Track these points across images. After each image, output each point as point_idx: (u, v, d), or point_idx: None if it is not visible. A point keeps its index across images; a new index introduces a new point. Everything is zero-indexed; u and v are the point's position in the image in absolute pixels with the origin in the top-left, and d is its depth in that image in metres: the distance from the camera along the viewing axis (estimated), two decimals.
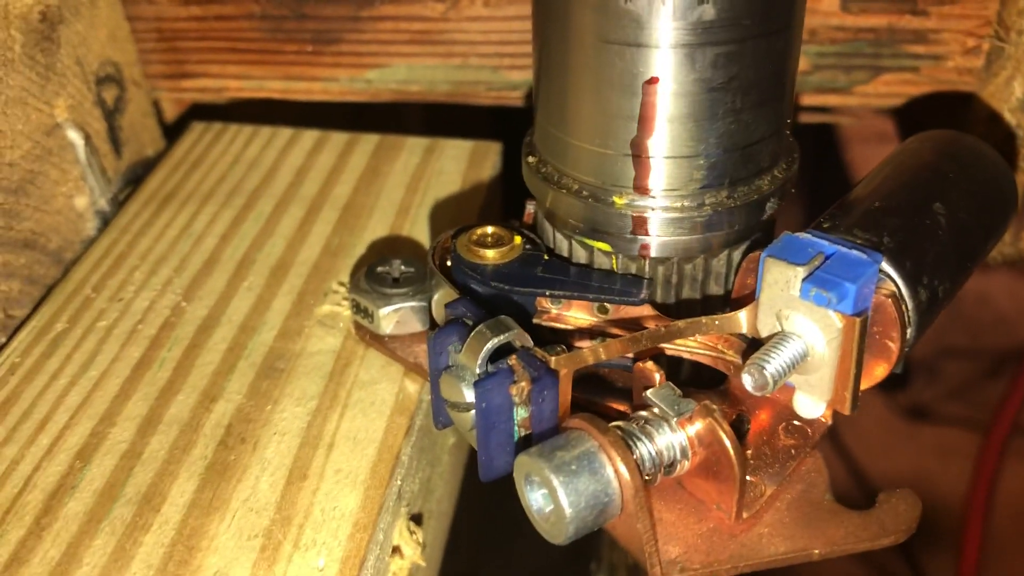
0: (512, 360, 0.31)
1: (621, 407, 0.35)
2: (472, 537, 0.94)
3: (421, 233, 0.45)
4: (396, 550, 0.35)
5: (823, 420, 0.34)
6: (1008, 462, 1.27)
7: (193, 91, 0.53)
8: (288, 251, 0.44)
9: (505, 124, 0.55)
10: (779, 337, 0.31)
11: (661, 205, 0.33)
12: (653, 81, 0.31)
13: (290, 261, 0.43)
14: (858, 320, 0.29)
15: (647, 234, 0.34)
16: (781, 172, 0.35)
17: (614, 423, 0.30)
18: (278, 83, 0.52)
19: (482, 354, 0.31)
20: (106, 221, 0.47)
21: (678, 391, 0.31)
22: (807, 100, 0.50)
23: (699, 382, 0.38)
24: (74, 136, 0.45)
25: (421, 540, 0.36)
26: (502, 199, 0.51)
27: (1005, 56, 0.46)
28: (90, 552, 0.31)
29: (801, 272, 0.30)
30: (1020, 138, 0.48)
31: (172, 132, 0.55)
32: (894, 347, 0.31)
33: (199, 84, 0.53)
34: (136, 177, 0.50)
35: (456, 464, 0.44)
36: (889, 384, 1.43)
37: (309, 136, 0.52)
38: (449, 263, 0.37)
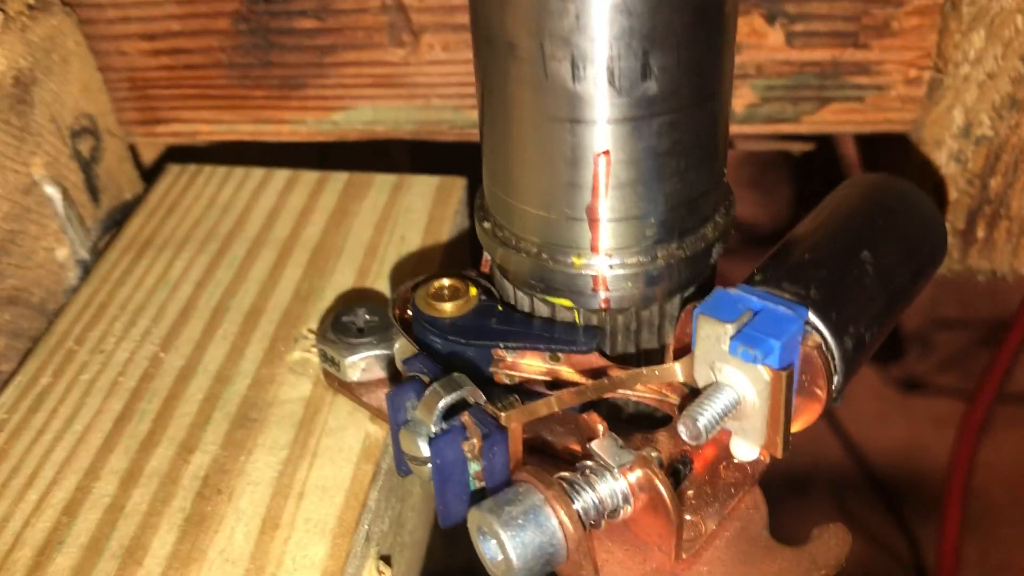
0: (464, 417, 0.33)
1: (577, 447, 0.38)
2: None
3: (390, 274, 0.47)
4: None
5: (762, 459, 0.36)
6: (990, 431, 1.29)
7: (167, 135, 0.55)
8: (260, 297, 0.46)
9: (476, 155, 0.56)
10: (712, 388, 0.33)
11: (618, 263, 0.35)
12: (603, 153, 0.33)
13: (262, 307, 0.45)
14: (784, 374, 0.31)
15: (607, 290, 0.36)
16: (722, 218, 0.37)
17: (559, 475, 0.33)
18: (248, 126, 0.54)
19: (436, 412, 0.33)
20: (87, 269, 0.49)
21: (620, 441, 0.33)
22: (759, 129, 0.52)
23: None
24: (51, 191, 0.47)
25: None
26: (471, 230, 0.53)
27: (945, 86, 0.48)
28: None
29: (730, 329, 0.32)
30: (962, 163, 0.50)
31: (152, 173, 0.56)
32: (822, 394, 0.33)
33: (172, 129, 0.54)
34: (115, 222, 0.52)
35: (428, 493, 0.47)
36: (883, 357, 1.43)
37: (280, 176, 0.54)
38: (408, 314, 0.39)
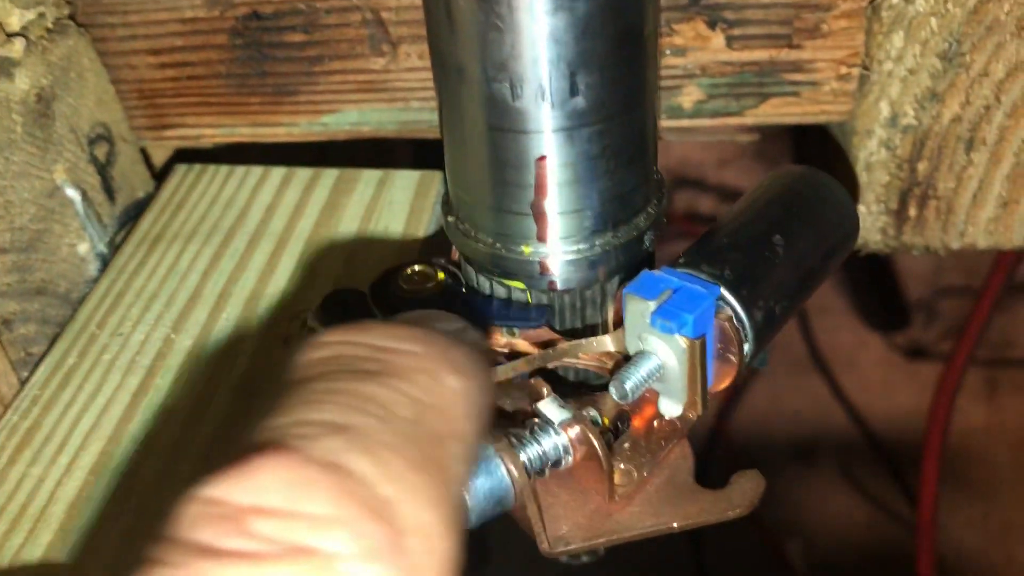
0: None
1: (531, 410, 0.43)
2: None
3: (373, 261, 0.53)
4: None
5: (690, 416, 0.41)
6: (994, 396, 1.33)
7: (174, 139, 0.61)
8: (259, 284, 0.52)
9: None
10: (639, 356, 0.38)
11: (561, 250, 0.41)
12: (543, 158, 0.38)
13: (261, 293, 0.51)
14: (698, 342, 0.37)
15: (552, 273, 0.42)
16: (653, 208, 0.43)
17: (509, 430, 0.38)
18: (247, 129, 0.60)
19: None
20: (105, 262, 0.55)
21: (561, 401, 0.39)
22: (707, 123, 0.57)
23: None
24: (72, 194, 0.53)
25: None
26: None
27: (872, 81, 0.53)
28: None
29: (652, 306, 0.37)
30: (891, 149, 0.55)
31: (162, 172, 0.62)
32: (735, 359, 0.39)
33: (179, 133, 0.60)
34: (130, 218, 0.58)
35: None
36: (888, 326, 1.46)
37: (277, 173, 0.60)
38: (386, 296, 0.45)
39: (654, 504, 0.40)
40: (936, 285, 1.47)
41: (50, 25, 0.52)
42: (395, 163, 0.61)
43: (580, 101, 0.37)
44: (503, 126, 0.38)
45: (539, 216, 0.40)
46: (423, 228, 0.55)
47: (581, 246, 0.41)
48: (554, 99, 0.37)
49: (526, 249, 0.41)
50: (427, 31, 0.39)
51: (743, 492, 0.40)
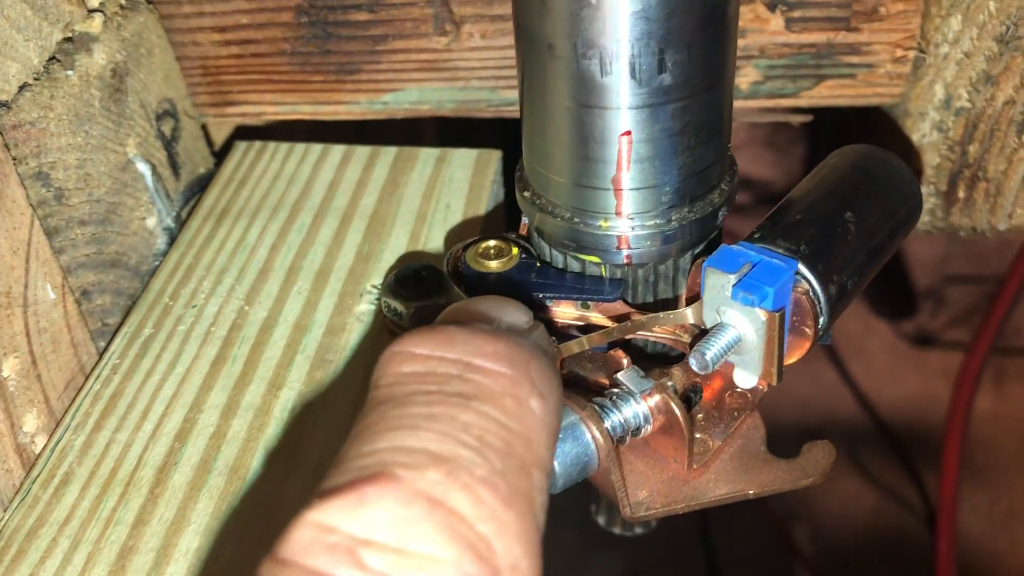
0: None
1: (604, 380, 0.44)
2: None
3: (437, 237, 0.54)
4: None
5: (760, 388, 0.43)
6: (1000, 383, 1.34)
7: (236, 116, 0.62)
8: (327, 258, 0.53)
9: (506, 129, 0.63)
10: (718, 328, 0.39)
11: (638, 224, 0.42)
12: (626, 133, 0.39)
13: (330, 267, 0.52)
14: (777, 315, 0.38)
15: (629, 247, 0.42)
16: (727, 185, 0.44)
17: (594, 399, 0.39)
18: (308, 107, 0.60)
19: None
20: (172, 236, 0.56)
21: (641, 372, 0.40)
22: (763, 104, 0.58)
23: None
24: (142, 167, 0.54)
25: None
26: (506, 197, 0.59)
27: (927, 64, 0.54)
28: (195, 513, 0.41)
29: (732, 279, 0.38)
30: (943, 132, 0.56)
31: (220, 150, 0.63)
32: (810, 332, 0.40)
33: (240, 110, 0.61)
34: (193, 193, 0.59)
35: None
36: (896, 313, 1.47)
37: (337, 151, 0.61)
38: (460, 270, 0.46)
39: (729, 472, 0.41)
40: (943, 273, 1.47)
41: (123, 1, 0.53)
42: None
43: (667, 78, 0.38)
44: (589, 102, 0.39)
45: (618, 191, 0.41)
46: (483, 205, 0.56)
47: (658, 221, 0.42)
48: (642, 76, 0.38)
49: (603, 224, 0.42)
50: (514, 8, 0.40)
51: (816, 461, 0.41)
